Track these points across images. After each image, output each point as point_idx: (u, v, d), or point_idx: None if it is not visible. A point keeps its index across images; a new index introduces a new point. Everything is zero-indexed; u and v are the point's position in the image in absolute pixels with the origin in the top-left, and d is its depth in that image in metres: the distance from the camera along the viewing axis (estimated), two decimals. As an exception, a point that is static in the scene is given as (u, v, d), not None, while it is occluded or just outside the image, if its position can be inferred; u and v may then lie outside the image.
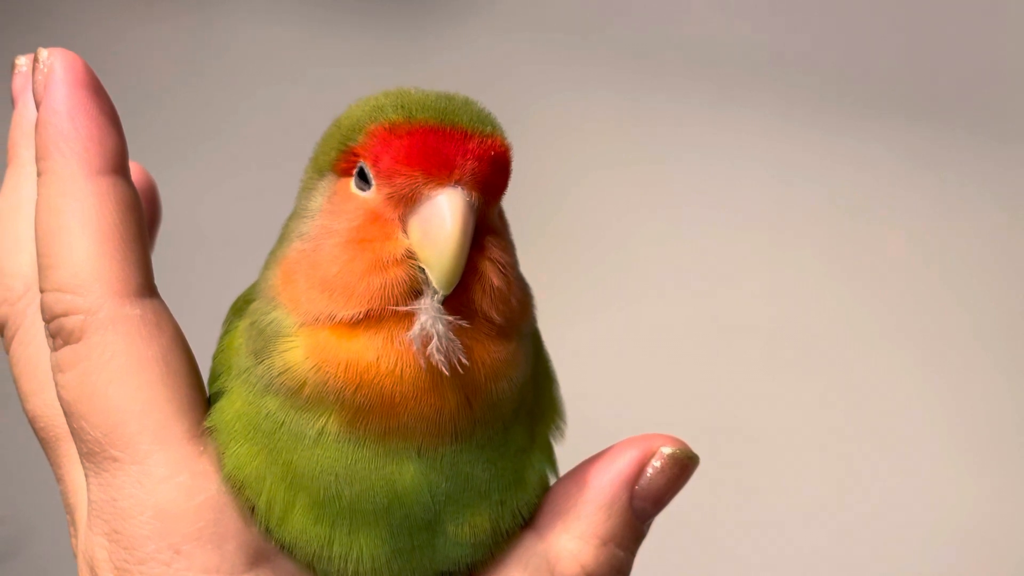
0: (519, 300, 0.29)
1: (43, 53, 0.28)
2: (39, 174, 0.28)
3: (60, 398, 0.28)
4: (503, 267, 0.28)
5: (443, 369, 0.26)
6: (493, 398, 0.28)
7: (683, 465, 0.30)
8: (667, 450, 0.29)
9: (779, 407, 0.95)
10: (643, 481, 0.29)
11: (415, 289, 0.26)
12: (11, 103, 0.33)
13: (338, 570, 0.28)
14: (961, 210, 1.01)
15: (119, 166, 0.28)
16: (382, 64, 0.95)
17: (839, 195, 1.02)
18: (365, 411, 0.26)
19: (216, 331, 0.32)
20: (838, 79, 1.05)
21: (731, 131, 1.03)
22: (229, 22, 1.11)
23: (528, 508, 0.29)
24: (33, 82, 0.29)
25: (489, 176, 0.27)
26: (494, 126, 0.28)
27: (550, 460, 0.31)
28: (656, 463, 0.29)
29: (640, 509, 0.29)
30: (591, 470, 0.30)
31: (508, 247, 0.29)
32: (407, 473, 0.27)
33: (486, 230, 0.28)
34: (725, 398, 0.93)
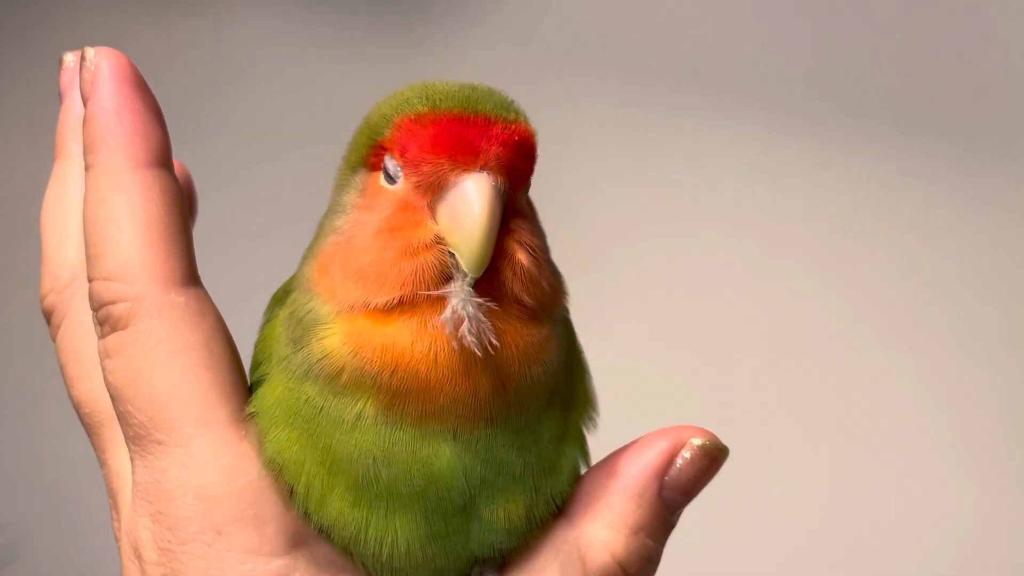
0: (550, 283, 0.29)
1: (90, 52, 0.29)
2: (87, 167, 0.29)
3: (107, 383, 0.28)
4: (532, 249, 0.28)
5: (475, 350, 0.26)
6: (527, 382, 0.28)
7: (712, 456, 0.30)
8: (697, 441, 0.30)
9: (776, 410, 0.96)
10: (673, 472, 0.29)
11: (445, 274, 0.27)
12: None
13: (373, 553, 0.28)
14: (950, 219, 1.01)
15: (163, 159, 0.29)
16: (385, 75, 0.96)
17: (832, 204, 1.03)
18: (402, 394, 0.27)
19: (236, 324, 0.32)
20: (831, 92, 1.06)
21: (727, 142, 1.04)
22: (231, 29, 1.12)
23: (561, 496, 0.30)
24: (80, 80, 0.29)
25: (514, 161, 0.27)
26: (518, 112, 0.28)
27: (582, 449, 0.31)
28: (686, 454, 0.29)
29: (670, 499, 0.30)
30: (621, 460, 0.30)
31: (537, 231, 0.29)
32: (443, 456, 0.27)
33: (514, 214, 0.28)
34: (721, 402, 0.93)
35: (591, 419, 0.32)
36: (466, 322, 0.26)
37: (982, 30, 1.06)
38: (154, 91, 0.30)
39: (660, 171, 1.06)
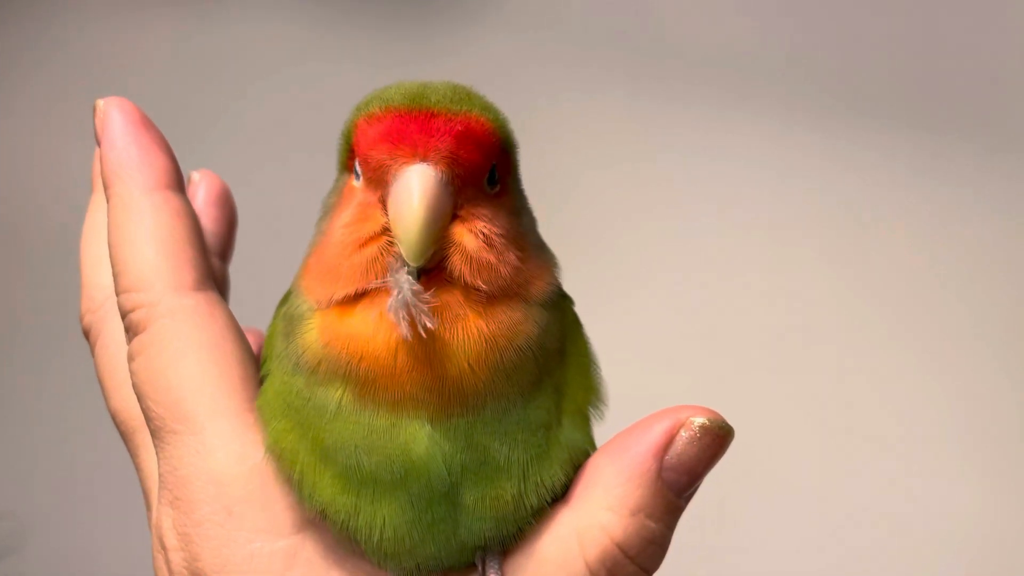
0: (514, 268, 0.29)
1: (99, 103, 0.34)
2: (107, 200, 0.33)
3: (133, 385, 0.31)
4: (487, 236, 0.29)
5: (407, 335, 0.27)
6: (501, 367, 0.28)
7: (714, 435, 0.29)
8: (698, 420, 0.29)
9: (781, 408, 0.96)
10: (672, 451, 0.29)
11: (392, 264, 0.28)
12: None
13: (364, 539, 0.29)
14: (963, 214, 1.00)
15: (171, 182, 0.32)
16: (391, 66, 0.96)
17: (842, 198, 1.02)
18: (371, 383, 0.28)
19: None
20: (841, 85, 1.05)
21: (736, 134, 1.03)
22: (234, 24, 1.13)
23: (554, 483, 0.29)
24: (94, 127, 0.33)
25: (458, 150, 0.28)
26: (470, 104, 0.29)
27: (587, 437, 0.31)
28: (685, 433, 0.29)
29: (672, 480, 0.29)
30: (622, 441, 0.30)
31: (500, 217, 0.30)
32: (420, 443, 0.28)
33: (470, 202, 0.29)
34: (725, 399, 0.93)
35: (597, 409, 0.32)
36: (403, 308, 0.27)
37: (998, 24, 1.06)
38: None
39: (671, 163, 1.06)
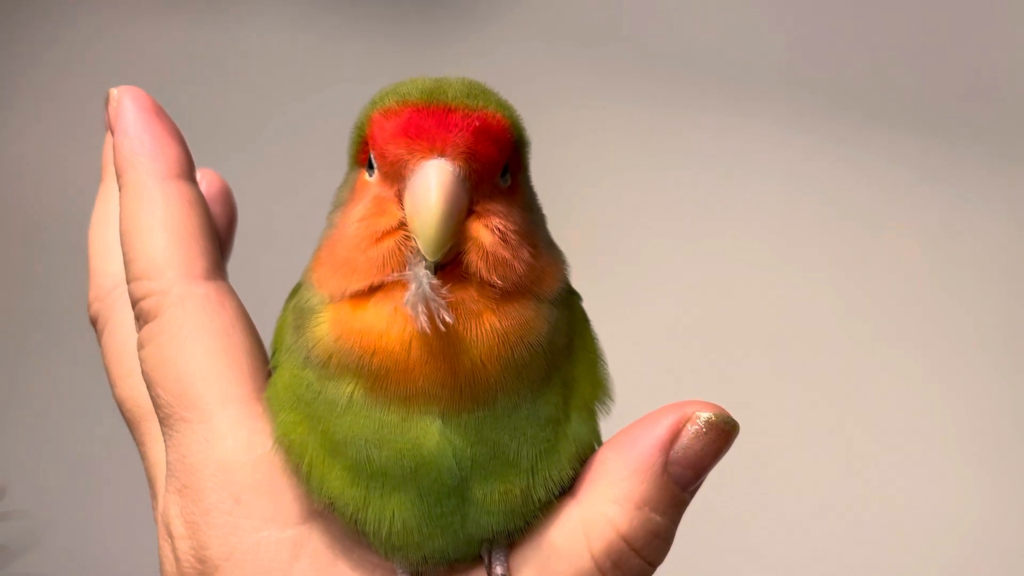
0: (527, 264, 0.29)
1: (113, 91, 0.34)
2: (120, 188, 0.33)
3: (143, 372, 0.31)
4: (503, 232, 0.29)
5: (426, 328, 0.27)
6: (512, 363, 0.28)
7: (720, 430, 0.29)
8: (704, 415, 0.29)
9: (784, 409, 0.96)
10: (678, 445, 0.29)
11: (409, 258, 0.28)
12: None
13: (373, 532, 0.29)
14: (970, 219, 1.01)
15: (183, 172, 0.33)
16: (398, 68, 0.96)
17: (846, 203, 1.03)
18: (383, 377, 0.28)
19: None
20: (849, 91, 1.05)
21: (743, 139, 1.04)
22: (242, 25, 1.13)
23: (562, 477, 0.30)
24: (107, 115, 0.34)
25: (476, 146, 0.28)
26: (486, 100, 0.29)
27: (594, 432, 0.31)
28: (691, 427, 0.29)
29: (677, 474, 0.29)
30: (628, 435, 0.30)
31: (513, 213, 0.30)
32: (431, 437, 0.28)
33: (485, 198, 0.29)
34: (729, 401, 0.93)
35: (604, 405, 0.32)
36: (421, 302, 0.27)
37: (1006, 29, 1.06)
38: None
39: (679, 165, 1.06)
